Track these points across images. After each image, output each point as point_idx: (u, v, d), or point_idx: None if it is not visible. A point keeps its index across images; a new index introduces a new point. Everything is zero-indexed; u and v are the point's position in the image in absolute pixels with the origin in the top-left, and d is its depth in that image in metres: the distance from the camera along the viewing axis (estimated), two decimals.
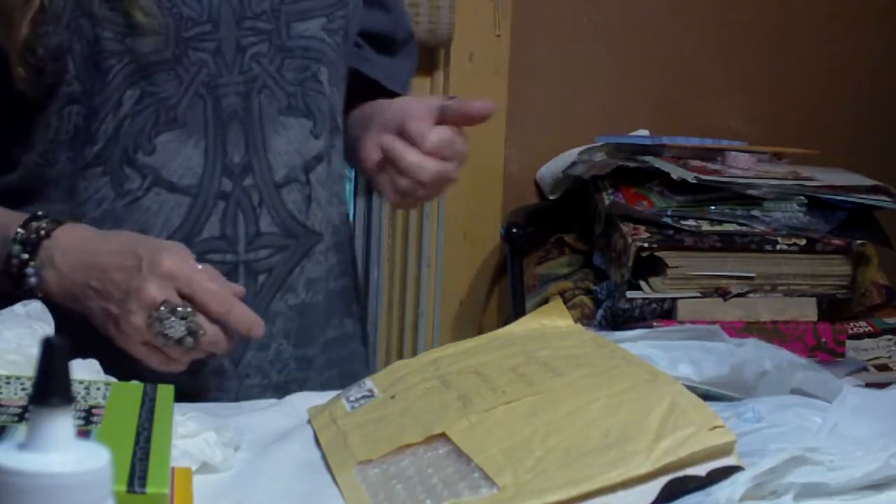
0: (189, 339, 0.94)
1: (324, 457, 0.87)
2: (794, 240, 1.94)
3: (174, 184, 1.05)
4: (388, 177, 1.09)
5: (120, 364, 0.93)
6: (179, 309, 0.94)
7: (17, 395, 0.78)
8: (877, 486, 0.82)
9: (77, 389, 0.80)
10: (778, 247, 1.94)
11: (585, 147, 2.17)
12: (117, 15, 1.02)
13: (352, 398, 0.93)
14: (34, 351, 0.82)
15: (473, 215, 2.35)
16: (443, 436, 0.81)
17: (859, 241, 1.97)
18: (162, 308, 0.94)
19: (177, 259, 0.96)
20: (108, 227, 1.03)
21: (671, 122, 2.28)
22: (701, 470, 0.75)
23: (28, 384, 0.80)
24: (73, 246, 0.99)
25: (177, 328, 0.94)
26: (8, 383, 0.80)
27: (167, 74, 1.04)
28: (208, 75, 1.06)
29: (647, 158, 2.03)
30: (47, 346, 0.48)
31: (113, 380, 0.87)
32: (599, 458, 0.75)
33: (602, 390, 0.83)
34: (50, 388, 0.48)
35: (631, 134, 2.27)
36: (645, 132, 2.29)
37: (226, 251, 1.06)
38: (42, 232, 0.99)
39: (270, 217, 1.08)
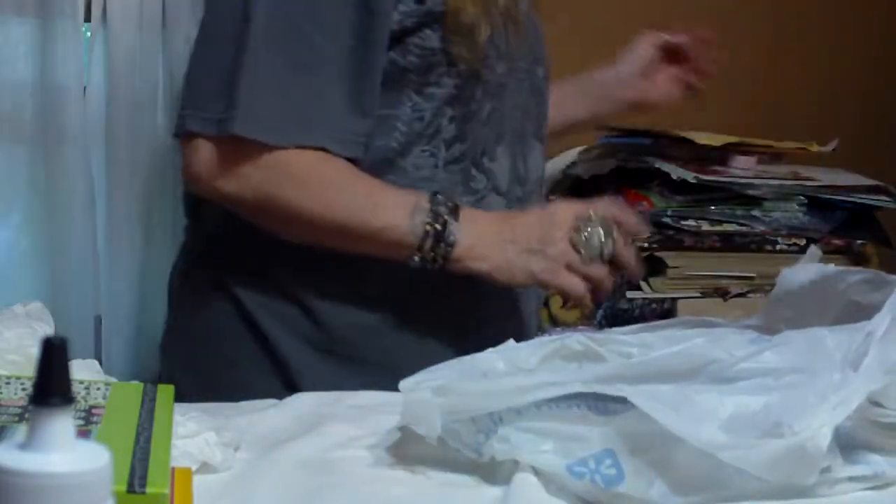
0: (609, 242, 1.17)
1: (324, 457, 0.87)
2: (794, 240, 1.94)
3: (500, 188, 1.27)
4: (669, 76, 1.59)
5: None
6: (593, 217, 1.17)
7: (17, 395, 0.78)
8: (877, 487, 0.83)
9: (77, 389, 0.80)
10: (778, 247, 1.94)
11: (585, 147, 2.17)
12: (499, 41, 1.25)
13: None
14: (34, 351, 0.82)
15: None
16: None
17: (859, 241, 1.97)
18: (578, 222, 1.17)
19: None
20: None
21: (671, 122, 2.27)
22: None
23: (28, 384, 0.80)
24: (481, 216, 1.20)
25: (596, 233, 1.17)
26: (8, 383, 0.80)
27: (508, 95, 1.28)
28: (517, 101, 1.30)
29: (647, 158, 2.03)
30: (47, 346, 0.48)
31: (113, 380, 0.87)
32: None
33: None
34: (50, 388, 0.48)
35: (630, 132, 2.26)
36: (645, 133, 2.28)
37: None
38: (451, 204, 1.17)
39: None
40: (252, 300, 1.23)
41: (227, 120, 1.13)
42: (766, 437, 0.79)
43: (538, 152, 1.35)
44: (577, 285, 1.18)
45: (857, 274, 1.00)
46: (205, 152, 1.16)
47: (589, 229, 1.17)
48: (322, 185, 1.17)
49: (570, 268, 1.17)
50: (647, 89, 1.62)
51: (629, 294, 1.93)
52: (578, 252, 1.17)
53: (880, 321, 0.86)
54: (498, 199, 1.27)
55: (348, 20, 1.16)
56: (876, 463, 0.86)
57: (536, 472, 0.84)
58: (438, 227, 1.15)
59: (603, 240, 1.18)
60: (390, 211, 1.17)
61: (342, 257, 1.19)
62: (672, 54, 1.66)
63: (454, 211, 1.17)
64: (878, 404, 0.85)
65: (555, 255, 1.17)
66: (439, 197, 1.17)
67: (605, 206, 1.21)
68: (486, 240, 1.18)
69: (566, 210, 1.20)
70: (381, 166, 1.21)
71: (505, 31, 1.27)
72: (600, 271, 1.18)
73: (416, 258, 1.16)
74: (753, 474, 0.79)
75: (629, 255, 1.21)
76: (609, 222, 1.19)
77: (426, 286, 1.21)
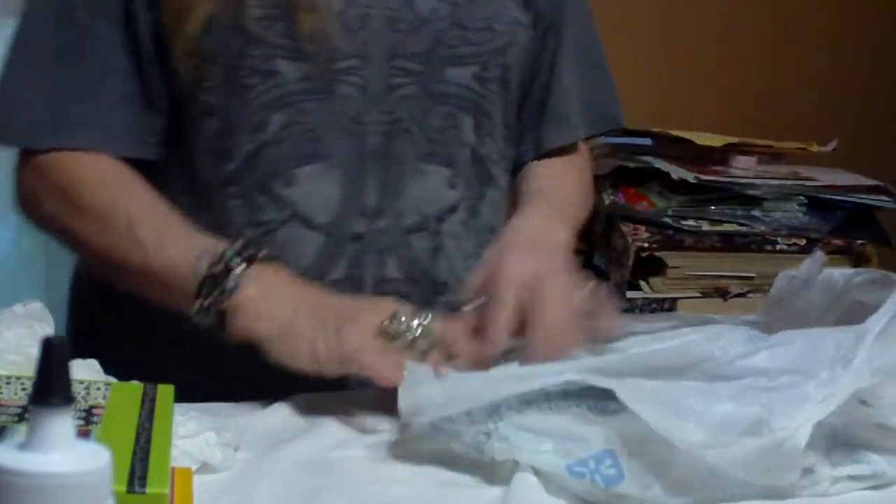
0: (424, 342, 0.92)
1: (324, 457, 0.87)
2: (794, 240, 1.94)
3: (311, 220, 1.03)
4: None
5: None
6: (414, 320, 0.93)
7: (17, 395, 0.78)
8: (876, 487, 0.83)
9: (77, 389, 0.80)
10: (778, 247, 1.94)
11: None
12: (271, 35, 1.00)
13: None
14: (34, 351, 0.81)
15: None
16: None
17: (859, 241, 1.97)
18: (394, 316, 0.92)
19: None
20: None
21: (671, 122, 2.27)
22: None
23: (28, 384, 0.80)
24: (284, 276, 0.96)
25: (411, 327, 0.92)
26: (8, 383, 0.80)
27: (315, 104, 1.02)
28: (354, 111, 1.03)
29: (647, 158, 2.03)
30: (47, 346, 0.48)
31: (113, 380, 0.87)
32: None
33: None
34: (50, 388, 0.48)
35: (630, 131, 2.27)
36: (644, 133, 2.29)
37: (352, 294, 1.01)
38: (254, 253, 0.95)
39: (396, 263, 1.05)
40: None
41: None
42: (745, 436, 0.79)
43: (436, 179, 1.06)
44: (384, 367, 0.90)
45: (861, 274, 0.99)
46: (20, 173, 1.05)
47: (404, 321, 0.93)
48: (94, 207, 1.00)
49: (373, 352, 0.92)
50: None
51: (629, 294, 1.93)
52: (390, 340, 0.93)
53: (877, 320, 0.86)
54: (307, 233, 1.03)
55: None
56: (876, 462, 0.86)
57: (536, 472, 0.84)
58: (220, 269, 0.93)
59: (415, 336, 0.93)
60: (172, 249, 0.97)
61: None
62: None
63: (249, 258, 0.94)
64: (865, 403, 0.84)
65: (348, 339, 0.91)
66: (240, 242, 0.95)
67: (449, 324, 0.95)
68: (275, 297, 0.94)
69: (389, 304, 0.95)
70: (170, 175, 1.05)
71: (293, 23, 1.00)
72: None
73: (195, 306, 0.94)
74: (732, 473, 0.79)
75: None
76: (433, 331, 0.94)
77: None
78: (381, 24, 1.03)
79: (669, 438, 0.79)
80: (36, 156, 1.04)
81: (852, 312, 0.94)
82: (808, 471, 0.82)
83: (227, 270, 0.93)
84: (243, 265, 0.93)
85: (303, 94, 1.01)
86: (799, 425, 0.78)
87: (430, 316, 0.94)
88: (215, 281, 0.93)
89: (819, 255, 1.05)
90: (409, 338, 0.93)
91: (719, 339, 0.87)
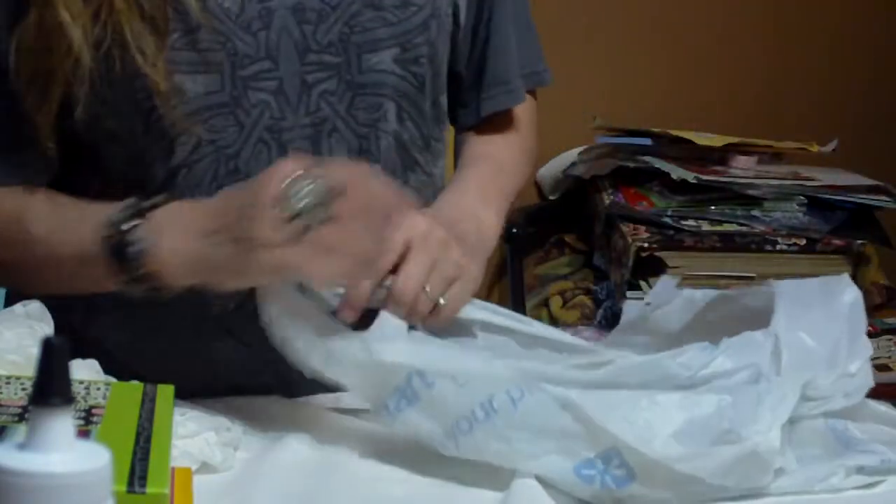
0: (322, 209, 0.82)
1: (324, 457, 0.87)
2: (794, 240, 1.94)
3: None
4: None
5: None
6: (304, 181, 0.83)
7: (17, 395, 0.78)
8: (870, 484, 0.84)
9: (77, 389, 0.80)
10: (778, 247, 1.94)
11: (585, 147, 2.17)
12: (160, 45, 0.90)
13: None
14: (34, 351, 0.81)
15: None
16: None
17: (859, 241, 1.97)
18: (284, 187, 0.83)
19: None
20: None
21: (671, 122, 2.27)
22: None
23: (28, 384, 0.80)
24: (178, 211, 0.88)
25: (307, 195, 0.83)
26: (8, 383, 0.80)
27: (225, 119, 0.94)
28: (271, 118, 0.95)
29: (647, 158, 2.03)
30: (47, 346, 0.48)
31: (113, 380, 0.87)
32: None
33: None
34: (50, 388, 0.48)
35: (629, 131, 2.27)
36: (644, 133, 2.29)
37: None
38: (146, 206, 0.88)
39: None
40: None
41: None
42: (718, 445, 0.81)
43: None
44: (312, 263, 0.84)
45: (715, 294, 1.01)
46: None
47: (299, 189, 0.84)
48: None
49: (289, 244, 0.84)
50: None
51: (629, 294, 1.93)
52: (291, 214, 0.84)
53: (777, 322, 0.90)
54: None
55: None
56: (882, 452, 0.87)
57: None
58: (116, 238, 0.87)
59: (315, 203, 0.84)
60: (70, 233, 0.91)
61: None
62: None
63: (138, 213, 0.88)
64: (809, 398, 0.87)
65: (264, 234, 0.83)
66: (130, 201, 0.89)
67: (336, 171, 0.86)
68: (176, 238, 0.87)
69: (270, 173, 0.86)
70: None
71: (202, 24, 0.92)
72: (333, 242, 0.84)
73: (119, 282, 0.89)
74: (709, 481, 0.80)
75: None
76: (327, 191, 0.84)
77: None
78: (286, 17, 0.94)
79: (641, 449, 0.80)
80: None
81: (717, 329, 0.94)
82: (779, 472, 0.83)
83: (123, 236, 0.87)
84: (133, 223, 0.87)
85: (210, 109, 0.93)
86: (768, 428, 0.81)
87: (317, 181, 0.84)
88: (119, 252, 0.87)
89: (667, 277, 1.08)
90: (305, 203, 0.83)
91: (683, 353, 0.88)
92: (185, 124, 0.92)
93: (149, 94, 0.91)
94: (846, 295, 0.95)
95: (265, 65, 0.94)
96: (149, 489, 0.66)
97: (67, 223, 0.93)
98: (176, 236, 0.87)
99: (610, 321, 1.98)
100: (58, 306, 1.00)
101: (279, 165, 0.86)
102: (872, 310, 2.02)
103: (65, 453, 0.48)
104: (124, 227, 0.88)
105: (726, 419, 0.82)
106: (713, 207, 1.97)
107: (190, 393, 0.90)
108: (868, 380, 0.91)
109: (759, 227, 1.95)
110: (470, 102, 1.13)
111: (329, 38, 0.96)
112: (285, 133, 0.96)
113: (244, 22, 0.93)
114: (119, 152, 0.96)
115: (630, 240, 1.91)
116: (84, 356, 0.88)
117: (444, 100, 1.08)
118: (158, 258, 0.87)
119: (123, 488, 0.66)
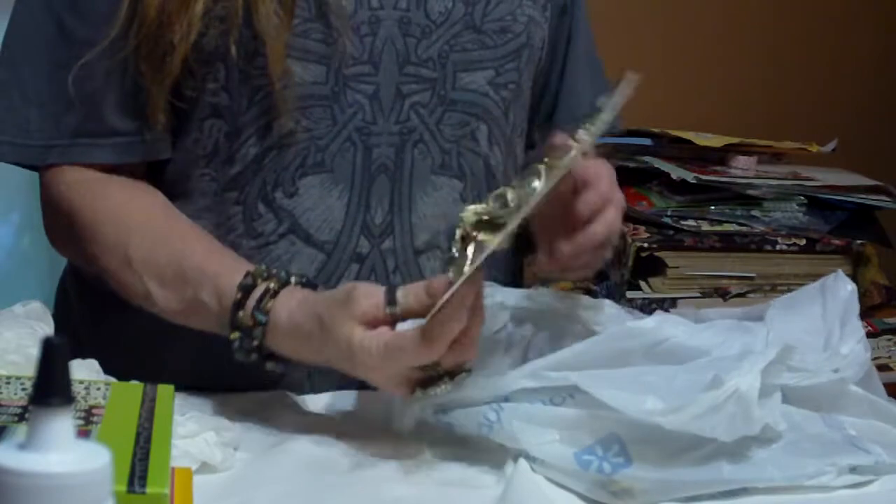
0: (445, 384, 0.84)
1: (324, 457, 0.87)
2: (794, 240, 1.94)
3: (311, 236, 0.98)
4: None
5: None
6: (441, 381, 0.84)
7: (17, 395, 0.78)
8: (862, 483, 0.85)
9: (77, 389, 0.80)
10: (778, 247, 1.94)
11: None
12: (286, 26, 0.93)
13: None
14: (34, 351, 0.82)
15: None
16: None
17: (859, 241, 1.97)
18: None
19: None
20: None
21: (671, 122, 2.28)
22: None
23: (28, 384, 0.80)
24: (289, 320, 0.87)
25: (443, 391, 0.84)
26: (8, 383, 0.80)
27: (323, 111, 0.97)
28: (363, 121, 0.97)
29: (646, 158, 2.03)
30: (47, 346, 0.48)
31: (113, 380, 0.87)
32: None
33: None
34: (50, 388, 0.48)
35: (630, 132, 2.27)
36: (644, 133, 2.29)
37: None
38: (268, 300, 0.88)
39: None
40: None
41: None
42: (702, 392, 0.82)
43: (448, 193, 1.01)
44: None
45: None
46: None
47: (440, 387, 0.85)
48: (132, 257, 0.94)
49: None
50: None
51: (629, 294, 1.93)
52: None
53: (771, 318, 0.95)
54: (306, 250, 0.98)
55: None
56: (876, 453, 0.87)
57: (535, 469, 0.84)
58: (248, 322, 0.88)
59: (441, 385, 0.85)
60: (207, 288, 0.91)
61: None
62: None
63: (272, 294, 0.88)
64: (794, 369, 0.87)
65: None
66: (260, 289, 0.88)
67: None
68: (299, 339, 0.87)
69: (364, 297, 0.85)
70: (170, 187, 1.00)
71: (321, 16, 0.95)
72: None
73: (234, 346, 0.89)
74: (697, 433, 0.81)
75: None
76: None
77: None
78: (392, 28, 0.98)
79: (628, 412, 0.81)
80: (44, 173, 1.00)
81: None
82: (768, 427, 0.84)
83: (255, 320, 0.88)
84: (263, 319, 0.87)
85: (311, 98, 0.96)
86: (746, 372, 0.81)
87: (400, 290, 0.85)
88: (247, 329, 0.88)
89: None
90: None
91: (666, 320, 0.90)
92: (286, 107, 0.95)
93: (264, 71, 0.94)
94: (841, 290, 0.96)
95: (366, 69, 0.98)
96: (149, 489, 0.66)
97: (179, 272, 0.92)
98: (289, 344, 0.88)
99: None
100: (58, 306, 1.01)
101: (363, 294, 0.84)
102: (872, 310, 2.02)
103: (65, 453, 0.48)
104: (257, 315, 0.87)
105: (712, 372, 0.82)
106: (713, 207, 1.96)
107: (189, 388, 0.91)
108: (861, 365, 0.91)
109: (759, 227, 1.95)
110: (537, 144, 1.14)
111: (429, 54, 1.00)
112: (373, 137, 0.98)
113: (355, 24, 0.97)
114: (219, 127, 0.97)
115: (630, 240, 1.91)
116: (84, 356, 0.89)
117: (526, 130, 1.11)
118: (274, 343, 0.88)
119: (123, 488, 0.66)
